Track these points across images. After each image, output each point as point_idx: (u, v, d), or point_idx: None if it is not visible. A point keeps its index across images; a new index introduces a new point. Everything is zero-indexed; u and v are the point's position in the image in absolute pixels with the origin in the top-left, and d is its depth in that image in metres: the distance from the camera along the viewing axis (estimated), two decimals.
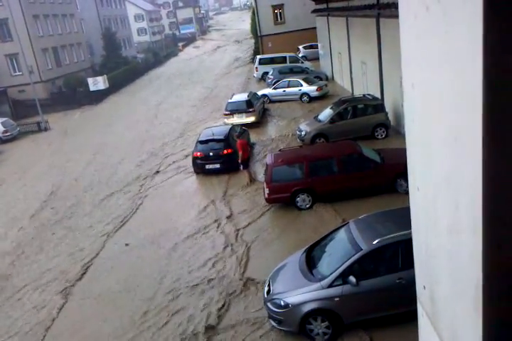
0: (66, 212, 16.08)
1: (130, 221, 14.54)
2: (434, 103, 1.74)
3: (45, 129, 31.27)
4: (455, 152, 1.60)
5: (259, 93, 26.37)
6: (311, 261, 8.65)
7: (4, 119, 30.72)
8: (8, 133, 29.46)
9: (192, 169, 17.56)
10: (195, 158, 17.25)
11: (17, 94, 37.50)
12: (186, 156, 19.40)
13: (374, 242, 7.79)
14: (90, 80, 38.80)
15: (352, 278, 7.59)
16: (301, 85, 26.06)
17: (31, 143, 28.32)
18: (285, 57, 34.02)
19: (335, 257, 8.35)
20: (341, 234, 8.73)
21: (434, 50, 1.65)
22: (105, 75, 40.44)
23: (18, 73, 38.96)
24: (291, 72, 30.39)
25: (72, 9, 47.40)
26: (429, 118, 1.84)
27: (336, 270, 7.83)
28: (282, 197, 12.95)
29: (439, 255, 1.94)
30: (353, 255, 7.82)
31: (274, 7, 42.13)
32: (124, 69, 47.48)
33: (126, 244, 12.88)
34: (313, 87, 25.81)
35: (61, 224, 15.21)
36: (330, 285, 7.76)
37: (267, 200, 13.15)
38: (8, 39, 37.93)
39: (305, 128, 18.15)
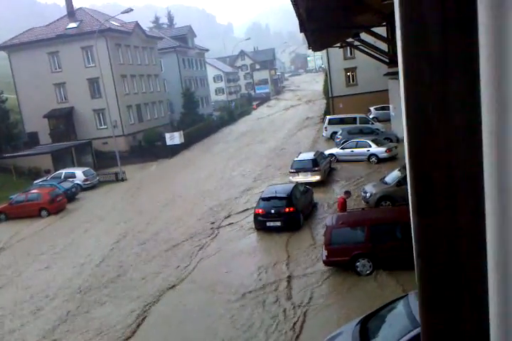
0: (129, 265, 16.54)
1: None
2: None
3: (122, 180, 33.04)
4: None
5: (327, 152, 26.44)
6: (365, 333, 8.08)
7: (86, 169, 32.93)
8: (88, 182, 31.42)
9: (253, 225, 17.57)
10: (256, 215, 17.30)
11: (101, 146, 40.31)
12: (248, 212, 19.49)
13: None
14: (167, 135, 40.92)
15: None
16: (370, 146, 25.86)
17: (107, 193, 29.92)
18: (355, 118, 34.17)
19: (391, 332, 7.76)
20: (399, 307, 8.14)
21: None
22: (181, 131, 42.58)
23: (103, 127, 42.10)
24: (361, 132, 30.30)
25: (157, 70, 51.26)
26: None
27: None
28: (341, 261, 12.49)
29: None
30: (410, 331, 7.21)
31: (347, 70, 43.18)
32: (198, 126, 49.89)
33: None
34: (383, 149, 25.50)
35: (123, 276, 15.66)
36: None
37: (325, 263, 12.74)
38: (97, 96, 41.50)
39: (370, 189, 17.74)
